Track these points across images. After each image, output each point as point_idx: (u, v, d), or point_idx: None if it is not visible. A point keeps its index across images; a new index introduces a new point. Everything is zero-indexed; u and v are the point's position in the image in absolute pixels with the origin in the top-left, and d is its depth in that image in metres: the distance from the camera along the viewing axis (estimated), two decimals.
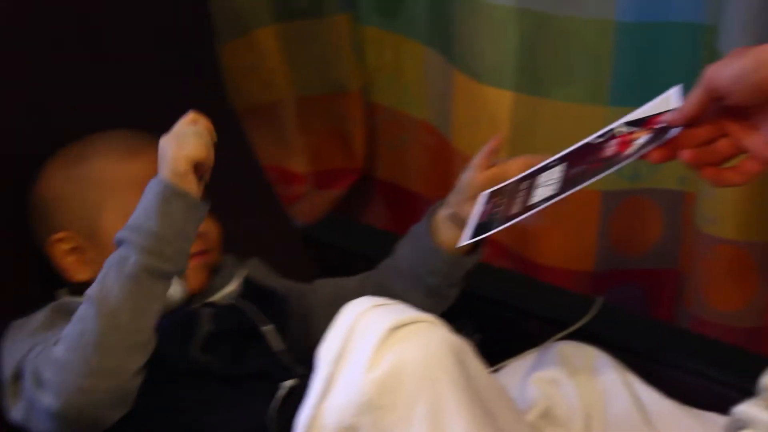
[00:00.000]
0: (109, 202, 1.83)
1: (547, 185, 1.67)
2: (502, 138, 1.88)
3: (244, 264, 1.92)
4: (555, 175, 1.75)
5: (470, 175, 1.88)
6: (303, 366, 1.71)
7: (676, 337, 2.13)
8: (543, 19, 2.24)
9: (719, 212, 2.19)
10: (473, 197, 1.82)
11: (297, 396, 1.63)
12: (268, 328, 1.78)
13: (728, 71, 1.55)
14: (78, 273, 1.82)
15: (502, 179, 1.82)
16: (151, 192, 1.67)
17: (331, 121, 2.57)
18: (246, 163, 2.29)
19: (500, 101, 2.30)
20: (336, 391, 1.56)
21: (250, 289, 1.86)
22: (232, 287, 1.87)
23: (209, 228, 1.89)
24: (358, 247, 2.32)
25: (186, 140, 1.67)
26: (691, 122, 1.57)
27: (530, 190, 1.75)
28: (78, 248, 1.82)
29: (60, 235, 1.82)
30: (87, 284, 1.72)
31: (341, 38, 2.52)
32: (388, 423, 1.54)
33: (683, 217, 2.28)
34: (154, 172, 1.76)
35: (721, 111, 1.58)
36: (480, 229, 1.75)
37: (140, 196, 1.77)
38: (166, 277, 1.67)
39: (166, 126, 1.92)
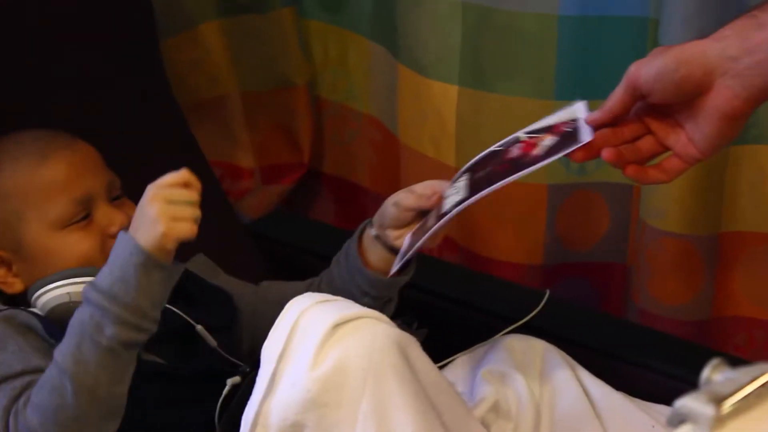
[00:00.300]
0: (28, 214, 1.82)
1: (455, 194, 1.69)
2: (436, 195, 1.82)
3: (189, 261, 1.91)
4: (462, 183, 1.79)
5: (388, 207, 1.89)
6: (248, 364, 1.72)
7: (624, 331, 2.16)
8: (486, 13, 2.24)
9: (665, 206, 2.21)
10: (392, 227, 1.85)
11: (243, 394, 1.66)
12: (200, 328, 1.77)
13: (650, 69, 1.59)
14: (9, 287, 1.82)
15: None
16: (129, 259, 1.63)
17: (278, 116, 2.58)
18: (191, 158, 2.23)
19: (445, 95, 2.30)
20: (280, 388, 1.58)
21: (188, 287, 1.85)
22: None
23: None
24: (305, 242, 2.34)
25: (179, 214, 1.63)
26: (614, 120, 1.61)
27: (441, 201, 1.79)
28: (4, 262, 1.82)
29: None
30: (19, 297, 1.82)
31: (286, 33, 2.53)
32: (333, 420, 1.57)
33: (631, 210, 2.29)
34: (69, 173, 1.84)
35: (644, 109, 1.63)
36: (405, 251, 1.81)
37: (58, 201, 1.82)
38: (141, 343, 1.65)
39: (108, 123, 2.13)
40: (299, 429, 1.58)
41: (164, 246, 1.59)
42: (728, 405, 0.98)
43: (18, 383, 1.67)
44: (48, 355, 1.70)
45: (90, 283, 1.64)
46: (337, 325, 1.59)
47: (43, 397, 1.61)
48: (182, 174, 1.64)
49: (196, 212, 1.62)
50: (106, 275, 1.62)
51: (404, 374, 1.60)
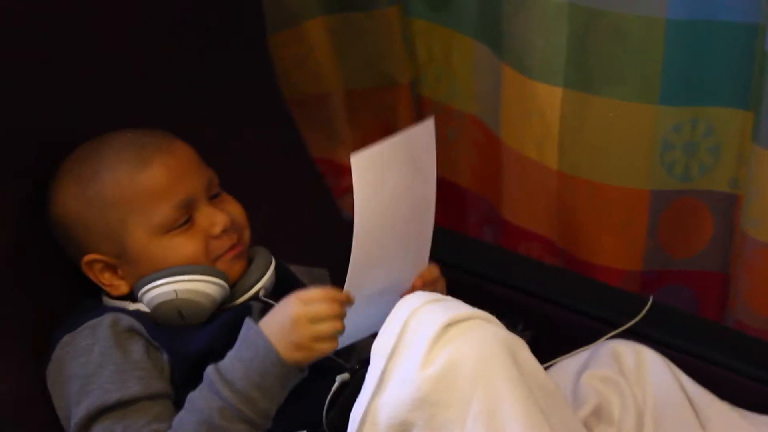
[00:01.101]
0: (131, 221, 1.83)
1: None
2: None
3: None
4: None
5: None
6: (356, 360, 1.74)
7: (728, 338, 2.13)
8: (593, 15, 2.22)
9: (763, 214, 2.17)
10: None
11: (352, 391, 1.66)
12: None
13: None
14: (115, 290, 1.84)
15: None
16: (270, 369, 1.67)
17: (380, 114, 2.60)
18: (296, 154, 2.31)
19: (550, 97, 2.29)
20: (390, 386, 1.58)
21: (284, 281, 1.87)
22: (267, 278, 1.88)
23: (238, 216, 1.91)
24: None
25: (323, 333, 1.66)
26: None
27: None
28: (110, 266, 1.84)
29: (90, 257, 1.84)
30: (118, 298, 1.86)
31: (390, 31, 2.54)
32: (442, 420, 1.55)
33: (734, 219, 2.26)
34: (169, 177, 1.86)
35: None
36: None
37: (160, 207, 1.83)
38: None
39: (218, 120, 2.17)
40: (408, 428, 1.57)
41: (304, 363, 1.65)
42: None
43: (116, 424, 1.71)
44: (149, 372, 1.75)
45: (221, 377, 1.68)
46: (449, 325, 1.58)
47: None
48: (327, 292, 1.67)
49: (339, 326, 1.65)
50: (242, 376, 1.66)
51: (514, 376, 1.59)
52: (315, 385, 1.73)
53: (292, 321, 1.63)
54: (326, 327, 1.62)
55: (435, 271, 1.85)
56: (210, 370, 1.67)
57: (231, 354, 1.67)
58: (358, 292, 1.68)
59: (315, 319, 1.62)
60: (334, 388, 1.70)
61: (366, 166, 1.63)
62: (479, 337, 1.60)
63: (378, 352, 1.61)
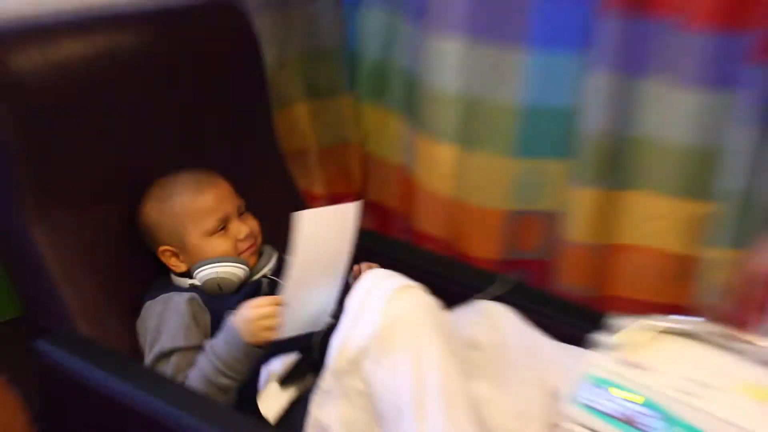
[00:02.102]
0: (189, 227, 1.96)
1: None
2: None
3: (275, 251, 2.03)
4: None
5: None
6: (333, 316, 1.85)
7: (553, 300, 2.23)
8: (473, 101, 2.35)
9: (573, 225, 2.32)
10: None
11: (332, 329, 1.77)
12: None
13: None
14: (177, 269, 1.99)
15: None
16: (241, 349, 1.80)
17: (340, 162, 2.64)
18: (289, 188, 2.39)
19: (446, 152, 2.39)
20: (359, 326, 1.72)
21: (282, 266, 1.94)
22: (271, 265, 2.02)
23: (254, 227, 2.04)
24: (368, 246, 2.12)
25: (267, 325, 1.78)
26: None
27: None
28: (175, 254, 1.98)
29: (163, 248, 1.97)
30: (182, 275, 1.98)
31: (347, 110, 2.58)
32: (388, 348, 1.70)
33: (556, 228, 2.38)
34: (215, 202, 1.98)
35: None
36: None
37: (208, 219, 1.97)
38: (235, 386, 1.84)
39: (244, 165, 2.21)
40: (366, 352, 1.71)
41: (258, 343, 1.77)
42: (621, 337, 1.15)
43: (181, 358, 1.88)
44: (193, 331, 1.91)
45: (213, 350, 1.82)
46: (397, 290, 1.74)
47: (192, 383, 1.82)
48: (269, 299, 1.79)
49: (275, 321, 1.77)
50: (224, 350, 1.81)
51: (435, 322, 1.76)
52: (300, 337, 1.86)
53: (247, 318, 1.78)
54: (267, 322, 1.76)
55: (371, 264, 2.00)
56: (206, 345, 1.83)
57: (219, 335, 1.83)
58: (292, 300, 1.77)
59: (261, 317, 1.77)
60: (323, 327, 1.85)
61: (306, 220, 1.71)
62: (416, 298, 1.77)
63: (351, 305, 1.75)
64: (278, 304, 1.75)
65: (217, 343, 1.80)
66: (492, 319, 2.01)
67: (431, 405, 1.67)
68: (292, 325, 1.79)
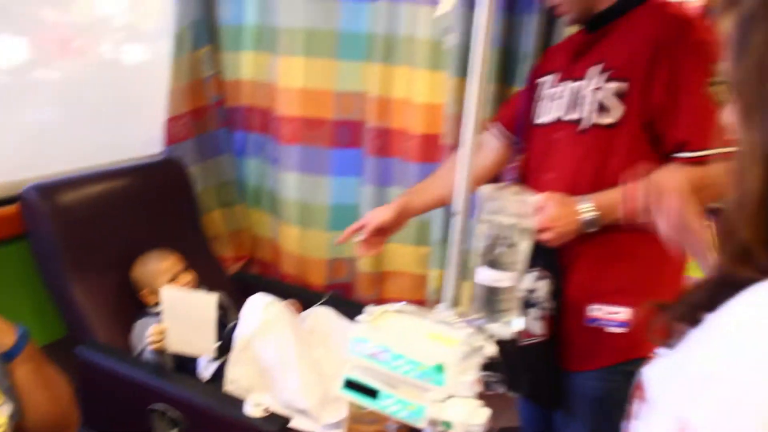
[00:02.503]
0: (157, 280, 1.85)
1: None
2: None
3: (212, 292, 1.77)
4: None
5: None
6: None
7: (349, 302, 2.14)
8: (306, 203, 2.22)
9: (362, 263, 2.20)
10: None
11: (233, 328, 1.75)
12: (221, 315, 1.73)
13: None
14: (149, 302, 1.85)
15: None
16: (149, 352, 1.65)
17: (239, 239, 2.43)
18: (210, 255, 2.25)
19: (293, 231, 2.26)
20: (249, 323, 1.71)
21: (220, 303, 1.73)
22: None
23: (193, 278, 1.92)
24: (255, 282, 2.22)
25: (152, 342, 1.63)
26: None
27: None
28: (150, 294, 1.85)
29: (144, 291, 1.87)
30: (154, 306, 1.80)
31: (242, 212, 2.43)
32: (266, 332, 1.69)
33: (356, 266, 2.27)
34: (170, 265, 1.87)
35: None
36: None
37: (166, 274, 1.84)
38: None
39: (183, 245, 2.05)
40: (253, 336, 1.69)
41: (156, 350, 1.62)
42: (369, 316, 1.03)
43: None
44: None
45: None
46: (268, 303, 1.74)
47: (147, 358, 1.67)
48: (156, 326, 1.63)
49: (158, 343, 1.61)
50: (149, 351, 1.65)
51: (289, 319, 1.75)
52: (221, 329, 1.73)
53: (146, 335, 1.65)
54: (153, 338, 1.63)
55: (294, 301, 1.88)
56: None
57: None
58: (169, 328, 1.62)
59: (149, 336, 1.63)
60: (227, 329, 1.76)
61: (171, 293, 1.64)
62: (278, 307, 1.76)
63: (245, 312, 1.75)
64: (161, 331, 1.63)
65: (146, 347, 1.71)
66: (322, 316, 1.98)
67: (290, 362, 1.67)
68: (174, 345, 1.64)
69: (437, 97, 1.94)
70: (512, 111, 1.50)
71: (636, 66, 1.22)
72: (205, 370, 1.75)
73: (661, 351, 0.63)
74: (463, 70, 1.78)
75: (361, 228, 1.47)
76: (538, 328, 1.31)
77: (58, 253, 1.78)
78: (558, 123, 1.33)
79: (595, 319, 1.29)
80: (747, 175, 0.53)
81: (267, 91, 2.23)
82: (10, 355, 1.07)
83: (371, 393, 1.01)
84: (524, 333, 1.27)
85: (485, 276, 1.06)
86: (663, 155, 1.22)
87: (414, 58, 2.00)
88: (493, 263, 1.06)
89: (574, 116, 1.29)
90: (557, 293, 1.30)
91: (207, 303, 1.62)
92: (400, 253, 2.21)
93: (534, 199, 1.06)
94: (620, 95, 1.24)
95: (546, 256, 1.27)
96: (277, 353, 1.67)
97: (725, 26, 0.55)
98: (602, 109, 1.26)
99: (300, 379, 1.65)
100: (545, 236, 1.20)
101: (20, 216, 1.78)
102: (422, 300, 2.14)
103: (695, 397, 0.51)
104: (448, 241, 1.17)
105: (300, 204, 2.26)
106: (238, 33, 2.22)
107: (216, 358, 1.73)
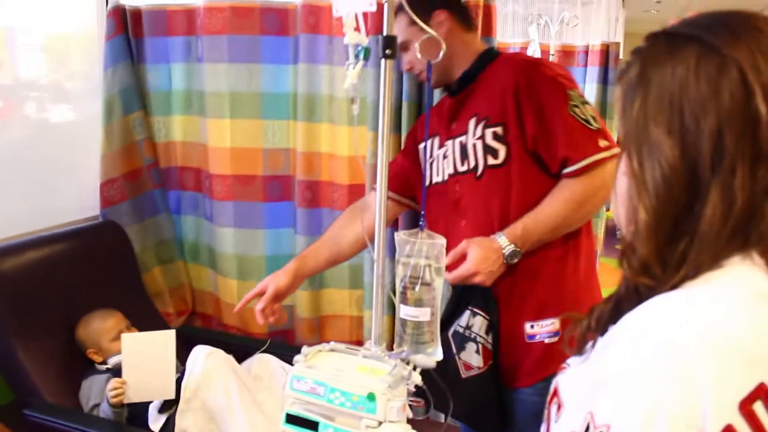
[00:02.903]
0: (102, 338, 1.88)
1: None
2: None
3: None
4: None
5: None
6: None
7: (290, 347, 2.11)
8: (242, 257, 2.23)
9: (301, 309, 2.22)
10: None
11: (179, 382, 1.72)
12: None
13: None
14: (97, 360, 1.86)
15: None
16: (108, 407, 1.66)
17: (180, 294, 2.43)
18: (152, 311, 2.27)
19: (232, 283, 2.27)
20: (193, 373, 1.71)
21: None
22: None
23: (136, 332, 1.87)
24: (198, 335, 2.21)
25: (113, 396, 1.65)
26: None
27: None
28: (96, 353, 1.87)
29: (90, 350, 1.87)
30: (101, 363, 1.83)
31: (181, 268, 2.44)
32: (210, 380, 1.69)
33: (295, 312, 2.27)
34: (113, 324, 1.88)
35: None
36: None
37: (110, 333, 1.84)
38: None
39: (128, 303, 2.08)
40: (198, 386, 1.67)
41: (115, 404, 1.67)
42: (305, 356, 1.06)
43: (99, 406, 1.73)
44: (101, 393, 1.73)
45: (105, 406, 1.67)
46: (210, 353, 1.74)
47: (102, 415, 1.67)
48: (114, 381, 1.67)
49: (119, 397, 1.65)
50: (106, 407, 1.65)
51: (231, 367, 1.76)
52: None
53: (106, 390, 1.67)
54: (113, 393, 1.67)
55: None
56: (104, 400, 1.67)
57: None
58: (129, 380, 1.65)
59: (110, 390, 1.67)
60: (167, 397, 1.72)
61: (131, 336, 1.69)
62: (220, 356, 1.76)
63: (189, 363, 1.73)
64: (121, 383, 1.67)
65: (104, 403, 1.73)
66: (264, 361, 1.98)
67: (237, 407, 1.67)
68: (134, 395, 1.68)
69: (359, 150, 2.01)
70: (393, 172, 1.58)
71: (506, 109, 1.36)
72: (155, 422, 1.74)
73: (572, 360, 0.71)
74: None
75: (259, 294, 1.52)
76: (477, 361, 1.38)
77: (1, 319, 1.78)
78: (455, 176, 1.45)
79: (532, 336, 1.40)
80: (638, 204, 0.63)
81: (198, 152, 2.27)
82: None
83: (312, 425, 1.06)
84: (465, 366, 1.37)
85: (406, 312, 1.14)
86: (553, 175, 1.36)
87: (334, 115, 2.08)
88: (412, 300, 1.14)
89: (467, 166, 1.42)
90: (493, 326, 1.39)
91: (167, 337, 1.65)
92: (337, 298, 2.24)
93: (443, 241, 1.13)
94: (500, 137, 1.37)
95: (479, 294, 1.38)
96: (223, 399, 1.68)
97: (617, 92, 0.68)
98: (490, 152, 1.39)
99: (246, 422, 1.66)
100: (478, 279, 1.31)
101: None
102: (360, 340, 2.15)
103: (599, 394, 0.58)
104: (373, 284, 1.22)
105: (237, 257, 2.26)
106: (167, 98, 2.27)
107: (163, 410, 1.74)
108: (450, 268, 1.33)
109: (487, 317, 1.39)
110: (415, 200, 1.63)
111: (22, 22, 2.01)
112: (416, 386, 1.06)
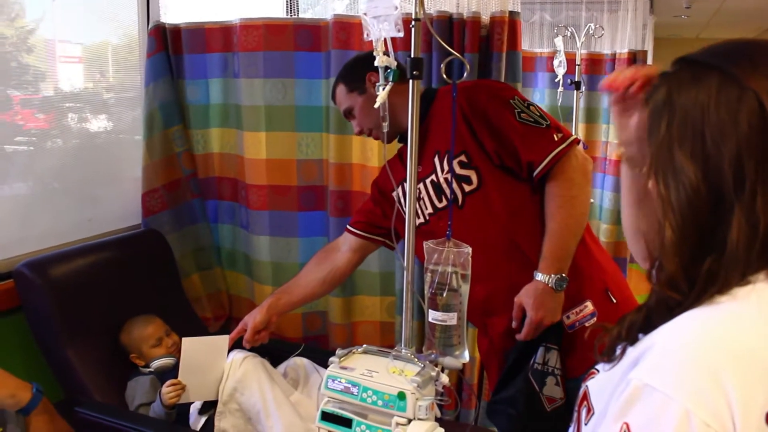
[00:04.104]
0: (143, 345, 1.89)
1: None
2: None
3: None
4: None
5: None
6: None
7: (329, 354, 1.89)
8: (277, 264, 2.26)
9: (333, 315, 2.24)
10: None
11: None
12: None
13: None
14: (139, 364, 1.88)
15: None
16: (161, 407, 1.67)
17: (217, 300, 2.47)
18: (192, 316, 2.30)
19: (268, 290, 2.23)
20: (230, 377, 1.72)
21: None
22: None
23: (176, 340, 1.92)
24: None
25: (168, 395, 1.67)
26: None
27: None
28: (137, 357, 1.89)
29: (132, 355, 1.89)
30: (145, 366, 1.87)
31: (219, 275, 2.48)
32: (245, 383, 1.70)
33: (328, 318, 2.28)
34: (153, 330, 1.89)
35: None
36: None
37: (151, 339, 1.86)
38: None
39: (168, 308, 2.11)
40: (235, 389, 1.72)
41: (168, 405, 1.67)
42: (339, 357, 1.14)
43: (146, 406, 1.75)
44: (149, 394, 1.77)
45: (156, 405, 1.69)
46: (244, 357, 1.75)
47: (152, 415, 1.68)
48: (170, 381, 1.67)
49: (177, 396, 1.65)
50: (158, 406, 1.67)
51: (266, 368, 1.77)
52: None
53: (161, 392, 1.69)
54: (170, 395, 1.68)
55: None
56: (156, 400, 1.70)
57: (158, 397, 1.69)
58: (185, 381, 1.68)
59: (165, 393, 1.68)
60: (214, 398, 1.74)
61: (191, 343, 1.70)
62: (254, 360, 1.76)
63: (226, 368, 1.73)
64: (177, 383, 1.70)
65: (156, 403, 1.76)
66: (299, 364, 1.99)
67: (271, 408, 1.69)
68: (187, 396, 1.72)
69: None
70: (363, 215, 1.69)
71: (462, 136, 1.42)
72: (196, 423, 1.77)
73: (600, 366, 0.74)
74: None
75: (241, 331, 1.68)
76: (558, 393, 1.43)
77: (52, 322, 1.81)
78: (437, 213, 1.49)
79: (572, 325, 1.46)
80: (664, 222, 0.65)
81: (235, 163, 2.31)
82: (27, 410, 1.20)
83: (346, 422, 1.11)
84: (549, 399, 1.41)
85: (434, 317, 1.19)
86: (526, 180, 1.42)
87: None
88: (440, 306, 1.20)
89: (445, 201, 1.47)
90: (562, 353, 1.44)
91: (222, 342, 1.72)
92: (368, 304, 2.28)
93: (469, 249, 1.17)
94: (467, 164, 1.43)
95: (548, 330, 1.43)
96: (259, 401, 1.69)
97: (643, 115, 0.71)
98: (463, 181, 1.45)
99: (282, 422, 1.67)
100: (546, 322, 1.38)
101: (14, 291, 1.83)
102: (392, 345, 1.86)
103: (633, 406, 0.60)
104: (403, 290, 1.27)
105: (272, 264, 2.30)
106: (206, 112, 2.32)
107: (203, 412, 1.77)
108: (517, 328, 1.41)
109: (558, 347, 1.45)
110: (385, 236, 1.69)
111: (64, 35, 2.08)
112: (444, 387, 1.13)
